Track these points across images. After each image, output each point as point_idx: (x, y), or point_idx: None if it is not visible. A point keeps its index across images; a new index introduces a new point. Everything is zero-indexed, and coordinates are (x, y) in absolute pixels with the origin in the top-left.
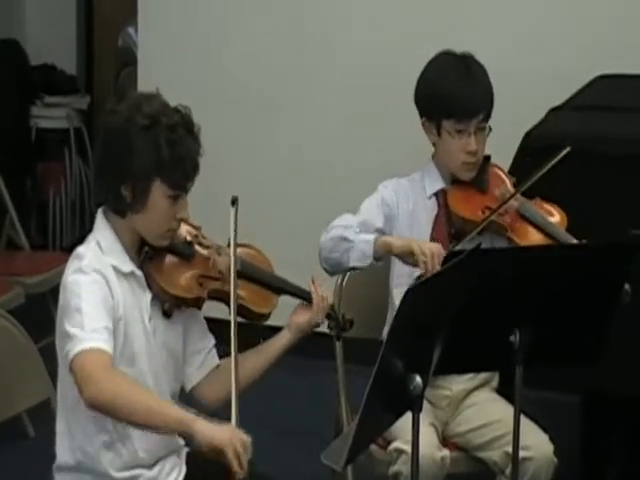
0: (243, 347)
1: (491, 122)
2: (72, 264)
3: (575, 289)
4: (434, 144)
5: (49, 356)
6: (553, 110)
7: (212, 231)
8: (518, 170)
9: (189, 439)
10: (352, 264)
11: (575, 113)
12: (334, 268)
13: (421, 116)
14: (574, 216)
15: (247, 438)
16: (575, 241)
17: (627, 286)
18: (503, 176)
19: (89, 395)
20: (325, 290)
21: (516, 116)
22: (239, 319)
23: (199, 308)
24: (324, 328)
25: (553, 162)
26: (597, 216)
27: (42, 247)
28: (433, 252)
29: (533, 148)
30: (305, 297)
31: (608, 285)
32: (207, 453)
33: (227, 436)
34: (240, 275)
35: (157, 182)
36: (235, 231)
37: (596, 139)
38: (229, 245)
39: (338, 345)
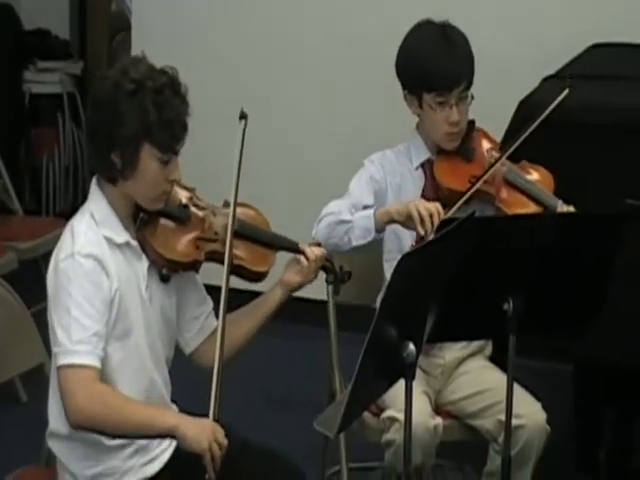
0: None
1: (485, 92)
2: (66, 242)
3: (568, 257)
4: (418, 115)
5: (42, 321)
6: (547, 79)
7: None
8: (512, 139)
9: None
10: (355, 243)
11: (570, 82)
12: (335, 252)
13: (403, 88)
14: (565, 187)
15: (224, 440)
16: (562, 203)
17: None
18: (488, 142)
19: (69, 417)
20: (318, 248)
21: (511, 85)
22: (237, 280)
23: (196, 271)
24: (317, 295)
25: (552, 106)
26: (589, 186)
27: (35, 212)
28: (431, 212)
29: (527, 117)
30: (301, 253)
31: (601, 254)
32: None
33: (206, 443)
34: (237, 234)
35: (146, 146)
36: (242, 150)
37: (589, 108)
38: (225, 205)
39: (331, 304)
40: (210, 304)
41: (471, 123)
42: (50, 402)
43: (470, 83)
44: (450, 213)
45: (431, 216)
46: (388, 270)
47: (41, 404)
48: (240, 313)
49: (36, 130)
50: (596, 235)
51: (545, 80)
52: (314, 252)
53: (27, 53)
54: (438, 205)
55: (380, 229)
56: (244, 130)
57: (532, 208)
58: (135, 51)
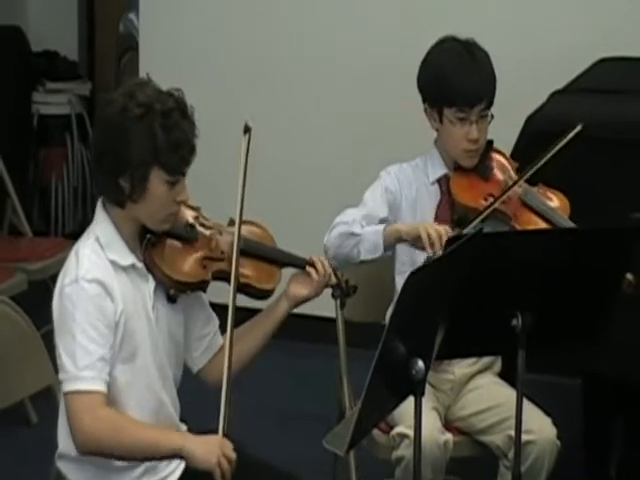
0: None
1: (496, 106)
2: (70, 267)
3: (577, 273)
4: (436, 130)
5: (52, 342)
6: (555, 94)
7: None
8: (520, 155)
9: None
10: (363, 257)
11: (577, 96)
12: (343, 264)
13: (423, 101)
14: (576, 201)
15: (232, 455)
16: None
17: (630, 276)
18: (506, 162)
19: (77, 443)
20: (327, 263)
21: (518, 100)
22: (242, 298)
23: (204, 291)
24: (326, 312)
25: (563, 142)
26: (599, 201)
27: (44, 233)
28: (440, 234)
29: (535, 132)
30: (308, 268)
31: (609, 269)
32: None
33: (214, 459)
34: (243, 252)
35: (155, 169)
36: (246, 164)
37: (598, 122)
38: (230, 223)
39: (340, 320)
40: (216, 322)
41: (489, 143)
42: (60, 423)
43: (491, 102)
44: (466, 230)
45: (440, 238)
46: (400, 283)
47: (51, 425)
48: (245, 328)
49: (45, 151)
50: (604, 250)
51: (553, 95)
52: (324, 264)
53: (35, 74)
54: (447, 228)
55: (388, 246)
56: (248, 144)
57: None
58: (143, 71)
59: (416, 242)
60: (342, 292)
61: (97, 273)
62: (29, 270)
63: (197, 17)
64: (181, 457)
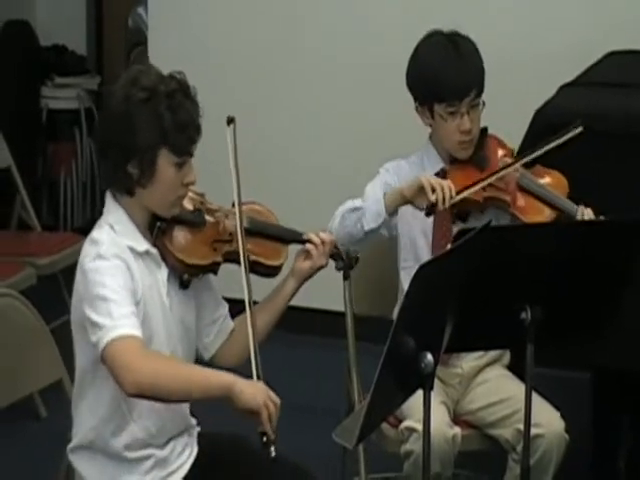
0: None
1: (502, 100)
2: (89, 250)
3: (586, 265)
4: (430, 125)
5: (61, 337)
6: (564, 87)
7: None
8: (529, 148)
9: (227, 402)
10: (367, 227)
11: (586, 90)
12: (349, 243)
13: (414, 100)
14: (582, 194)
15: (277, 399)
16: (582, 207)
17: None
18: (501, 149)
19: (130, 383)
20: (325, 234)
21: (527, 93)
22: (253, 277)
23: (215, 273)
24: (334, 306)
25: (561, 140)
26: (606, 194)
27: (53, 228)
28: (442, 184)
29: (544, 125)
30: (310, 241)
31: (618, 262)
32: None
33: (262, 400)
34: (249, 232)
35: (163, 152)
36: (235, 153)
37: (607, 116)
38: (234, 206)
39: (347, 294)
40: (226, 306)
41: (483, 130)
42: (74, 413)
43: (481, 91)
44: (464, 194)
45: (442, 187)
46: (404, 278)
47: (60, 419)
48: (261, 305)
49: (53, 146)
50: (614, 243)
51: (562, 88)
52: (319, 235)
53: (44, 69)
54: (449, 182)
55: (391, 211)
56: (234, 134)
57: (548, 213)
58: None
59: (418, 195)
60: (344, 263)
61: (118, 251)
62: (38, 264)
63: (205, 12)
64: (227, 397)
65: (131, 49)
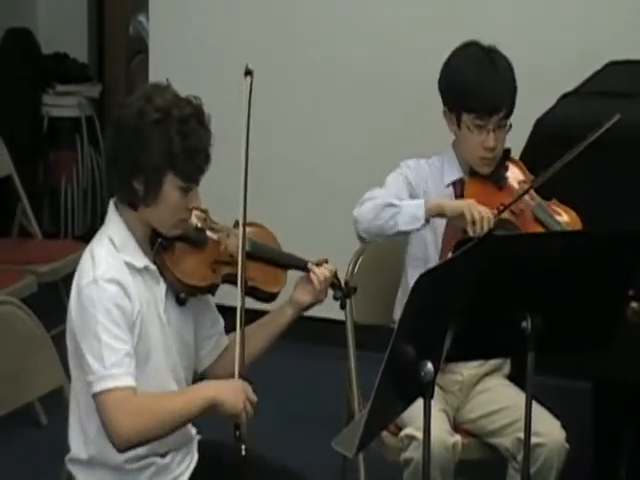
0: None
1: None
2: (86, 268)
3: (587, 274)
4: (454, 133)
5: (62, 344)
6: (564, 96)
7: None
8: (529, 158)
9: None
10: (401, 228)
11: (586, 99)
12: (374, 236)
13: (444, 104)
14: (586, 204)
15: (254, 397)
16: None
17: (635, 304)
18: (521, 174)
19: (119, 443)
20: (326, 267)
21: (528, 103)
22: (248, 300)
23: (212, 294)
24: (334, 314)
25: (600, 131)
26: (609, 204)
27: (54, 235)
28: (482, 216)
29: (544, 135)
30: (309, 271)
31: (620, 272)
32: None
33: (241, 405)
34: (250, 256)
35: (169, 175)
36: (249, 106)
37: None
38: (236, 225)
39: (349, 319)
40: (222, 322)
41: (507, 151)
42: (71, 426)
43: (510, 111)
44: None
45: (482, 220)
46: (412, 275)
47: (61, 427)
48: (250, 330)
49: (55, 153)
50: (615, 252)
51: (563, 97)
52: (323, 273)
53: (45, 77)
54: (490, 211)
55: (428, 220)
56: (251, 87)
57: None
58: (153, 73)
59: (458, 220)
60: (342, 293)
61: (114, 273)
62: (39, 272)
63: (206, 20)
64: (211, 409)
65: (132, 57)
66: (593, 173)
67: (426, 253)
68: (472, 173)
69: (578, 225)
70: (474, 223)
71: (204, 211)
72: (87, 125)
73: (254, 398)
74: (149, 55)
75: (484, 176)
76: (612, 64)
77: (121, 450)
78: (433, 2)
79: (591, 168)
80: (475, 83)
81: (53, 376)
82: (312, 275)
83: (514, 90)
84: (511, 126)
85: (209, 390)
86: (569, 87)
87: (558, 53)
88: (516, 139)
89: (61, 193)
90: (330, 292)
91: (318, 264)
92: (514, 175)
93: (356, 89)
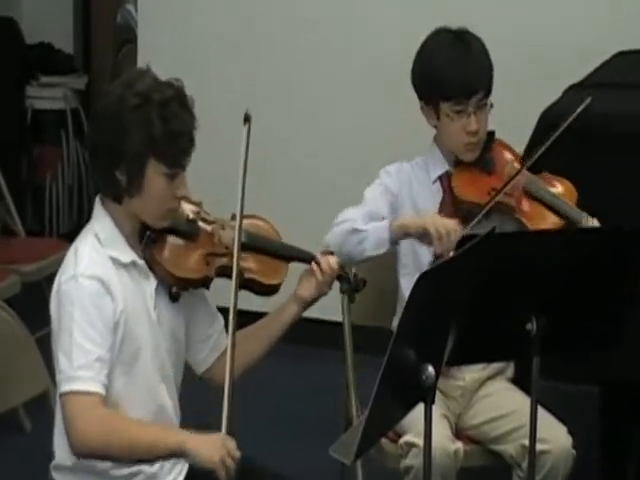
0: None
1: (506, 101)
2: (69, 264)
3: (594, 274)
4: (435, 126)
5: (47, 347)
6: (571, 88)
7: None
8: (534, 151)
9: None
10: (368, 254)
11: (593, 91)
12: (347, 262)
13: (419, 99)
14: (592, 197)
15: (236, 452)
16: (586, 216)
17: None
18: (509, 153)
19: (77, 447)
20: (332, 257)
21: (533, 94)
22: (247, 301)
23: (207, 288)
24: (331, 315)
25: (573, 116)
26: (614, 197)
27: (38, 233)
28: (448, 230)
29: (550, 128)
30: (314, 263)
31: (628, 270)
32: None
33: (218, 459)
34: (247, 247)
35: (152, 161)
36: (247, 153)
37: (615, 117)
38: (233, 218)
39: (347, 317)
40: (221, 321)
41: (491, 134)
42: (56, 432)
43: (489, 91)
44: (469, 228)
45: (448, 234)
46: (404, 286)
47: (45, 433)
48: (253, 329)
49: (39, 148)
50: (623, 251)
51: (569, 90)
52: (329, 263)
53: (29, 68)
54: (455, 223)
55: (395, 242)
56: (249, 133)
57: (554, 220)
58: (141, 64)
59: (423, 237)
60: (350, 286)
61: (96, 270)
62: (23, 272)
63: (197, 8)
64: (182, 455)
65: (120, 47)
66: (600, 164)
67: (418, 262)
68: (457, 163)
69: (573, 194)
70: (440, 238)
71: (198, 204)
72: (73, 118)
73: (236, 455)
74: (137, 45)
75: (470, 163)
76: (620, 54)
77: (77, 455)
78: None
79: (598, 159)
80: (448, 68)
81: (38, 381)
82: (317, 266)
83: (489, 68)
84: (492, 105)
85: (180, 435)
86: (576, 78)
87: (565, 43)
88: (521, 132)
89: (46, 189)
90: (335, 291)
91: (323, 254)
92: (501, 156)
93: (356, 84)
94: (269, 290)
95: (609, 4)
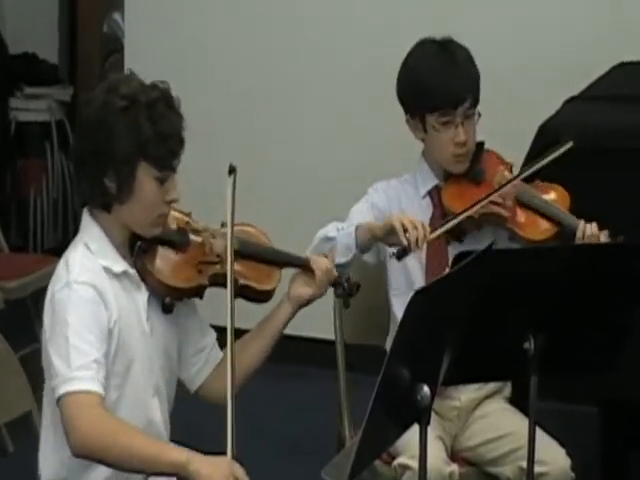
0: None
1: (503, 114)
2: (60, 274)
3: (594, 291)
4: (422, 140)
5: (30, 366)
6: (570, 101)
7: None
8: (523, 166)
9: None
10: (337, 261)
11: (593, 104)
12: None
13: (405, 113)
14: (594, 212)
15: (244, 476)
16: (583, 222)
17: None
18: (499, 163)
19: (77, 446)
20: (326, 260)
21: (532, 107)
22: (242, 320)
23: (201, 297)
24: (323, 334)
25: (552, 156)
26: (615, 211)
27: (22, 249)
28: (414, 223)
29: (548, 141)
30: (308, 267)
31: (629, 288)
32: None
33: (223, 478)
34: (239, 254)
35: (142, 164)
36: (233, 203)
37: (615, 131)
38: (223, 226)
39: (337, 321)
40: (213, 334)
41: (480, 144)
42: (41, 453)
43: (476, 100)
44: (438, 232)
45: (415, 228)
46: (396, 306)
47: (29, 454)
48: (248, 336)
49: (23, 161)
50: (625, 266)
51: (568, 102)
52: (323, 262)
53: (13, 78)
54: (422, 220)
55: (363, 247)
56: (234, 184)
57: (547, 227)
58: None
59: (390, 235)
60: (344, 290)
61: (89, 277)
62: (6, 288)
63: (184, 17)
64: (182, 475)
65: (106, 57)
66: (600, 180)
67: (409, 276)
68: (447, 176)
69: (567, 199)
70: (406, 231)
71: (186, 214)
72: (58, 131)
73: (244, 478)
74: (124, 55)
75: (460, 176)
76: (622, 65)
77: (75, 454)
78: (433, 4)
79: (598, 175)
80: (433, 78)
81: (21, 400)
82: (312, 265)
83: (476, 77)
84: (480, 115)
85: (185, 453)
86: (575, 90)
87: (563, 54)
88: (519, 145)
89: (30, 204)
90: (329, 304)
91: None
92: (492, 167)
93: (353, 90)
94: (264, 296)
95: (610, 10)
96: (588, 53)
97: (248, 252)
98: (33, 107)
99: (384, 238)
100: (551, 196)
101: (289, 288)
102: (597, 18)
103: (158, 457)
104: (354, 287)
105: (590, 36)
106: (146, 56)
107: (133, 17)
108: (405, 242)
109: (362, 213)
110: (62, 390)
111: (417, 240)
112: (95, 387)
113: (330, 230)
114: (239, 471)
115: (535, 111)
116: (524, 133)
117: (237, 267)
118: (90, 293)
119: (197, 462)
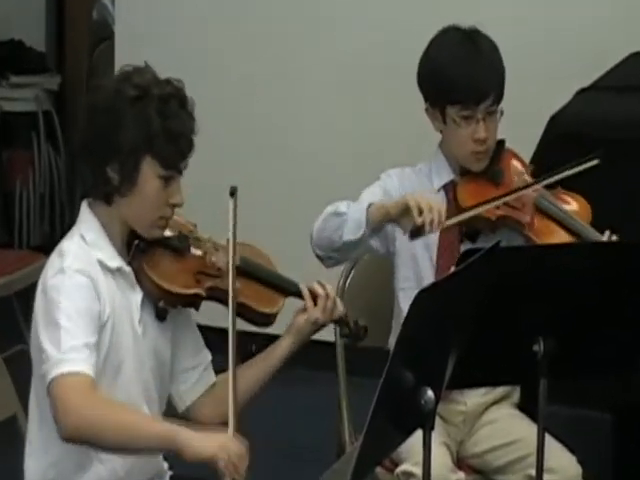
0: (240, 356)
1: (513, 104)
2: (53, 262)
3: (606, 291)
4: (440, 131)
5: (16, 367)
6: (581, 92)
7: (206, 228)
8: (543, 157)
9: (177, 455)
10: (345, 238)
11: (605, 95)
12: (326, 251)
13: (425, 100)
14: (602, 209)
15: (241, 446)
16: (601, 235)
17: None
18: (519, 165)
19: (67, 427)
20: (333, 291)
21: (542, 98)
22: (240, 323)
23: (196, 308)
24: (323, 335)
25: (576, 169)
26: (629, 205)
27: (7, 245)
28: (431, 205)
29: (559, 134)
30: (313, 298)
31: None
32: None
33: (216, 446)
34: (241, 272)
35: (148, 159)
36: (234, 224)
37: (627, 124)
38: (227, 241)
39: (339, 345)
40: (208, 355)
41: (500, 143)
42: (26, 455)
43: (500, 96)
44: (460, 218)
45: (431, 209)
46: (403, 301)
47: (14, 460)
48: (246, 365)
49: (8, 153)
50: (637, 266)
51: (580, 93)
52: (323, 288)
53: None
54: (438, 199)
55: (374, 226)
56: (235, 207)
57: (566, 239)
58: (119, 62)
59: (404, 216)
60: (350, 331)
61: (84, 265)
62: None
63: (177, 2)
64: (174, 450)
65: (96, 44)
66: (612, 172)
67: (418, 271)
68: (464, 172)
69: (588, 212)
70: (421, 211)
71: (192, 224)
72: (45, 121)
73: (241, 447)
74: (115, 42)
75: (477, 174)
76: (635, 55)
77: (65, 437)
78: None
79: (607, 170)
80: (456, 70)
81: (5, 403)
82: (311, 290)
83: (501, 72)
84: (502, 113)
85: (175, 426)
86: (587, 80)
87: (576, 43)
88: (529, 137)
89: (15, 197)
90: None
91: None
92: (511, 167)
93: (353, 75)
94: (263, 319)
95: (625, 3)
96: (601, 42)
97: (249, 270)
98: (19, 96)
99: (397, 218)
100: (572, 207)
101: (292, 320)
102: (611, 8)
103: (148, 430)
104: (361, 330)
105: (604, 25)
106: (137, 44)
107: (123, 3)
108: (419, 222)
109: (374, 195)
110: (52, 374)
111: (432, 222)
112: (86, 369)
113: (341, 205)
114: (235, 446)
115: (547, 101)
116: (535, 123)
117: (237, 284)
118: (84, 281)
119: (188, 435)
